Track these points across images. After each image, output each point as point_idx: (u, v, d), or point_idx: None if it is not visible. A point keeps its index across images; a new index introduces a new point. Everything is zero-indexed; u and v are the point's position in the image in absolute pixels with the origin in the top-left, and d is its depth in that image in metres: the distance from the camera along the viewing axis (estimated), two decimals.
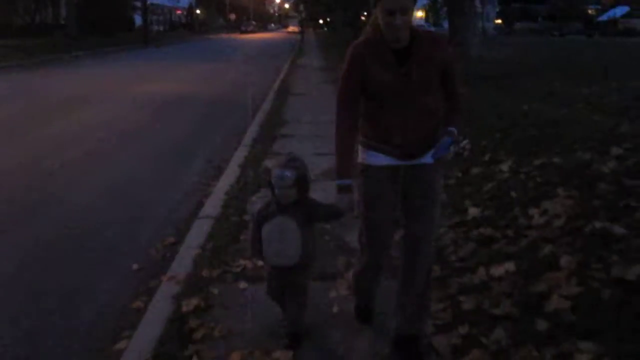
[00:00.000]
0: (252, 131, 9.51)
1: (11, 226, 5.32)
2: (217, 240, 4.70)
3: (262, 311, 3.51)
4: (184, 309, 3.59)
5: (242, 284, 3.94)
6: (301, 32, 58.79)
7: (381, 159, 2.84)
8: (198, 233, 4.95)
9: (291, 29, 79.94)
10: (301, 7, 71.30)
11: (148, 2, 48.61)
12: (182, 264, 4.30)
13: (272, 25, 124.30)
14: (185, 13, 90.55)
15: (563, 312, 3.10)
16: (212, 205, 5.67)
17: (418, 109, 2.74)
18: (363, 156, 2.91)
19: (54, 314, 3.79)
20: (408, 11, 2.57)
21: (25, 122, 10.51)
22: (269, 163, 7.05)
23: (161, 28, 72.63)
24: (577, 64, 15.29)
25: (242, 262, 4.24)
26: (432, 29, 50.19)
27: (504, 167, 5.41)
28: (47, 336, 3.54)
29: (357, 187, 2.90)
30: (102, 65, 24.44)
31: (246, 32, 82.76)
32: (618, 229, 3.62)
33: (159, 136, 9.51)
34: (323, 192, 4.26)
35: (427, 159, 2.84)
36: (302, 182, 2.87)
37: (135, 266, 4.50)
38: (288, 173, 2.82)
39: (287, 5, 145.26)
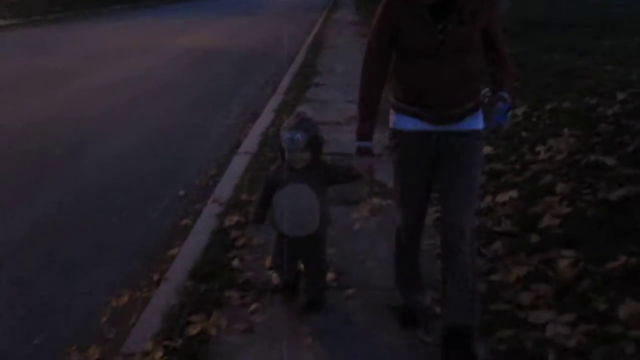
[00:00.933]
0: (286, 80, 9.99)
1: (72, 159, 5.95)
2: (254, 171, 5.26)
3: None
4: (226, 223, 4.17)
5: None
6: None
7: (413, 123, 2.59)
8: (237, 166, 5.51)
9: None
10: None
11: None
12: (223, 190, 4.89)
13: None
14: None
15: (552, 227, 3.60)
16: (250, 144, 6.23)
17: (455, 69, 2.45)
18: (394, 120, 2.67)
19: (115, 229, 4.41)
20: None
21: (75, 71, 11.15)
22: (303, 109, 7.53)
23: None
24: (607, 18, 15.26)
25: None
26: None
27: (519, 112, 5.84)
28: (110, 248, 4.16)
29: (391, 149, 2.72)
30: (141, 18, 24.98)
31: None
32: (610, 161, 4.08)
33: (198, 85, 10.06)
34: (351, 134, 4.77)
35: (465, 125, 2.55)
36: (314, 143, 2.68)
37: (182, 192, 5.09)
38: (299, 135, 2.63)
39: None
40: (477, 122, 2.57)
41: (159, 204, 4.85)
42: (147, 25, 21.44)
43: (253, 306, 3.13)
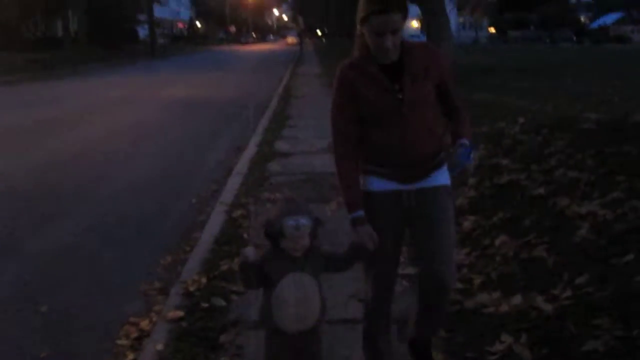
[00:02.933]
0: (263, 124, 11.68)
1: (101, 180, 7.48)
2: (248, 185, 6.85)
3: None
4: (233, 215, 5.74)
5: (267, 195, 6.16)
6: (300, 43, 60.99)
7: (382, 184, 2.61)
8: (233, 182, 7.10)
9: (290, 40, 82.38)
10: (299, 19, 73.79)
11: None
12: (226, 196, 6.46)
13: (271, 36, 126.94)
14: (186, 26, 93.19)
15: (464, 205, 5.27)
16: (240, 167, 7.84)
17: (415, 127, 2.51)
18: (363, 183, 2.66)
19: (145, 225, 5.93)
20: (398, 31, 2.42)
21: (71, 122, 12.68)
22: (279, 145, 9.24)
23: (163, 40, 75.05)
24: (535, 65, 17.64)
25: (265, 194, 6.40)
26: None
27: None
28: (152, 234, 5.68)
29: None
30: (117, 74, 26.65)
31: (246, 43, 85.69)
32: (504, 161, 5.81)
33: (187, 128, 11.70)
34: (319, 159, 6.45)
35: (433, 181, 2.59)
36: (317, 227, 2.42)
37: (194, 200, 6.65)
38: (304, 220, 2.36)
39: (285, 17, 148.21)
40: (444, 177, 2.60)
41: (178, 209, 6.38)
42: (127, 81, 23.05)
43: None
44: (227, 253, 4.73)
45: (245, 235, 5.17)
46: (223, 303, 3.88)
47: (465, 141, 2.51)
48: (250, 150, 9.03)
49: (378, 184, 2.62)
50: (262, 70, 28.93)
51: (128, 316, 3.95)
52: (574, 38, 62.40)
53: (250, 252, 2.42)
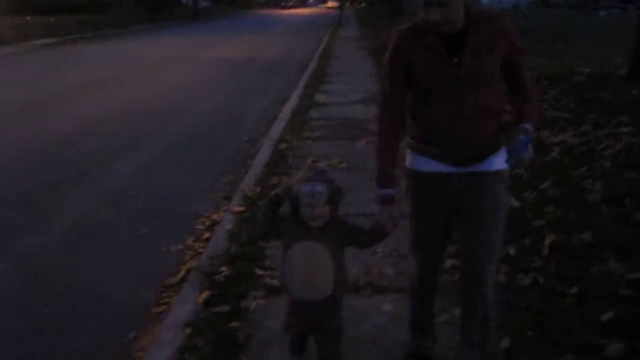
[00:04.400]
0: (304, 79, 12.85)
1: (165, 122, 8.79)
2: (291, 127, 8.07)
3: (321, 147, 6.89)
4: (279, 147, 6.97)
5: (308, 134, 7.35)
6: (340, 7, 61.40)
7: (431, 165, 2.43)
8: (278, 125, 8.33)
9: (330, 4, 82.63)
10: None
11: None
12: (273, 135, 7.69)
13: (312, 0, 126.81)
14: None
15: None
16: (284, 115, 9.06)
17: (474, 105, 2.29)
18: (410, 160, 2.52)
19: (207, 156, 7.20)
20: (448, 3, 2.18)
21: (134, 76, 14.05)
22: (318, 97, 10.42)
23: (206, 3, 76.12)
24: (565, 30, 18.40)
25: (307, 133, 7.61)
26: None
27: None
28: (207, 171, 6.95)
29: (406, 190, 2.59)
30: (164, 36, 27.93)
31: (287, 7, 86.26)
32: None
33: (237, 83, 12.96)
34: (352, 110, 7.62)
35: (487, 166, 2.39)
36: (335, 196, 2.35)
37: (245, 138, 7.91)
38: (320, 187, 2.29)
39: None
40: (500, 162, 2.37)
41: (233, 144, 7.64)
42: (175, 43, 24.32)
43: None
44: (275, 172, 5.99)
45: (290, 161, 6.40)
46: None
47: (528, 126, 2.24)
48: (293, 101, 10.24)
49: (426, 164, 2.44)
50: (302, 33, 29.91)
51: (203, 211, 5.24)
52: (620, 4, 61.32)
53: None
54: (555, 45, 13.49)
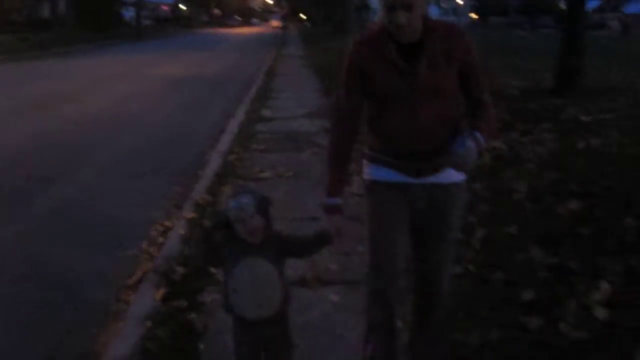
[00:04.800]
0: (249, 96, 13.12)
1: (116, 135, 8.93)
2: (238, 140, 8.33)
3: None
4: (228, 159, 7.23)
5: (255, 146, 7.63)
6: (284, 27, 62.08)
7: (389, 175, 2.42)
8: (226, 139, 8.58)
9: (275, 23, 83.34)
10: (283, 3, 74.88)
11: None
12: (221, 148, 7.94)
13: (255, 20, 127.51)
14: (170, 9, 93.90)
15: None
16: (231, 129, 9.32)
17: (430, 116, 2.28)
18: (368, 170, 2.50)
19: (158, 168, 7.38)
20: (412, 6, 2.16)
21: (81, 92, 14.05)
22: (264, 112, 10.72)
23: (148, 23, 75.77)
24: (502, 47, 19.27)
25: (254, 145, 7.89)
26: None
27: None
28: (170, 165, 7.15)
29: (366, 203, 2.53)
30: (107, 55, 27.80)
31: (231, 26, 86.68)
32: None
33: (183, 99, 13.13)
34: (299, 123, 7.96)
35: (446, 177, 2.38)
36: (263, 205, 2.33)
37: (195, 150, 8.13)
38: (245, 199, 2.30)
39: (270, 0, 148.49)
40: (457, 174, 2.37)
41: (182, 156, 7.85)
42: (118, 61, 24.24)
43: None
44: (225, 182, 6.23)
45: (238, 172, 6.66)
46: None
47: (475, 133, 2.22)
48: (239, 116, 10.49)
49: (385, 174, 2.42)
50: (247, 51, 30.20)
51: (156, 218, 5.44)
52: (554, 24, 63.67)
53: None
54: (495, 61, 14.19)
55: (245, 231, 2.30)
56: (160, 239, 4.95)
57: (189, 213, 5.33)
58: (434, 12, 31.76)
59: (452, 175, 2.38)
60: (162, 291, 3.83)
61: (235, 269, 2.37)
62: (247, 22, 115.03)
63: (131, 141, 8.77)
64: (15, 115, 10.85)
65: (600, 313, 3.06)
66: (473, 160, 2.17)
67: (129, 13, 57.30)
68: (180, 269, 4.12)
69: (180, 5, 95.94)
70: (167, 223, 5.32)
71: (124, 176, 6.89)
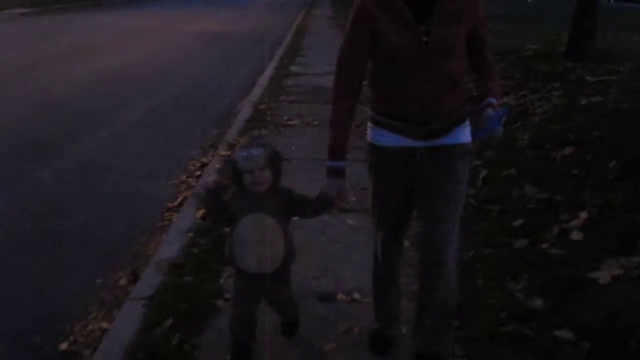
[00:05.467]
0: (279, 53, 13.59)
1: (153, 85, 9.52)
2: (268, 92, 8.87)
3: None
4: (259, 107, 7.77)
5: (284, 97, 8.16)
6: None
7: (394, 139, 2.34)
8: (257, 91, 9.12)
9: None
10: None
11: None
12: (252, 98, 8.49)
13: None
14: None
15: None
16: (262, 81, 9.85)
17: (438, 75, 2.20)
18: (372, 135, 2.43)
19: (194, 114, 7.97)
20: None
21: (113, 45, 14.65)
22: (292, 68, 11.22)
23: None
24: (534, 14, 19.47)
25: (283, 97, 8.42)
26: None
27: None
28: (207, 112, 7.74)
29: (368, 166, 2.49)
30: (137, 9, 28.12)
31: None
32: None
33: (216, 54, 13.66)
34: (325, 79, 8.45)
35: (453, 139, 2.32)
36: (274, 159, 2.36)
37: (226, 100, 8.69)
38: (256, 151, 2.31)
39: None
40: (465, 135, 2.35)
41: (216, 105, 8.42)
42: (154, 15, 24.69)
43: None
44: (256, 126, 6.80)
45: (268, 118, 7.22)
46: None
47: (494, 101, 2.25)
48: (269, 71, 11.01)
49: (389, 139, 2.35)
50: (277, 11, 30.40)
51: (194, 156, 6.04)
52: None
53: (205, 183, 2.49)
54: (514, 27, 14.50)
55: (251, 182, 2.34)
56: (198, 172, 5.55)
57: (223, 151, 5.91)
58: None
59: (459, 137, 2.34)
60: (201, 211, 4.42)
61: (240, 222, 2.42)
62: None
63: (168, 90, 9.37)
64: (54, 64, 11.48)
65: (577, 235, 3.59)
66: (501, 131, 2.20)
67: None
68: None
69: None
70: (204, 159, 5.92)
71: (164, 119, 7.52)
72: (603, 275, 3.08)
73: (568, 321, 2.83)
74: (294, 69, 11.25)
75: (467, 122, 2.36)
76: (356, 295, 3.30)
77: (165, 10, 28.03)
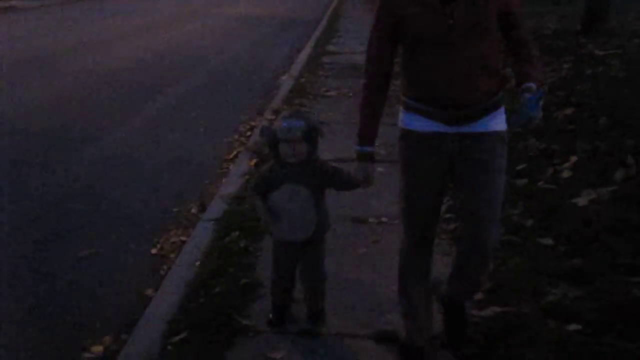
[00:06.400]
0: (315, 34, 14.39)
1: (200, 62, 10.41)
2: (308, 67, 9.68)
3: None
4: (299, 81, 8.60)
5: (321, 73, 8.97)
6: None
7: (425, 124, 2.29)
8: (297, 66, 9.95)
9: None
10: None
11: None
12: (293, 73, 9.31)
13: None
14: None
15: None
16: (301, 59, 10.67)
17: (469, 59, 2.15)
18: (403, 119, 2.37)
19: (241, 86, 8.83)
20: None
21: (164, 26, 15.61)
22: (329, 47, 12.01)
23: None
24: None
25: (321, 72, 9.24)
26: None
27: None
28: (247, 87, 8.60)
29: (398, 153, 2.43)
30: None
31: None
32: None
33: (255, 36, 14.50)
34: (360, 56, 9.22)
35: (485, 126, 2.25)
36: (313, 134, 2.43)
37: (270, 75, 9.53)
38: (297, 123, 2.39)
39: None
40: (499, 122, 2.29)
41: (260, 78, 9.28)
42: (189, 1, 25.66)
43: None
44: (298, 96, 7.63)
45: (307, 90, 8.05)
46: None
47: (532, 85, 2.15)
48: (307, 50, 11.83)
49: (419, 123, 2.31)
50: None
51: (244, 120, 6.91)
52: None
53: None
54: (537, 8, 15.08)
55: (288, 152, 2.43)
56: (248, 133, 6.40)
57: (269, 115, 6.76)
58: None
59: (493, 124, 2.27)
60: (254, 160, 5.27)
61: (275, 193, 2.52)
62: None
63: (216, 66, 10.29)
64: (108, 45, 12.50)
65: (567, 174, 4.34)
66: (540, 116, 2.15)
67: None
68: (266, 149, 5.55)
69: None
70: (252, 123, 6.77)
71: (213, 91, 8.43)
72: (582, 200, 3.84)
73: (550, 232, 3.61)
74: (330, 48, 12.06)
75: (502, 109, 2.31)
76: (384, 219, 4.10)
77: None
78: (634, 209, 3.72)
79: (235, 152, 5.76)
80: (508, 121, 2.32)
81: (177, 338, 2.81)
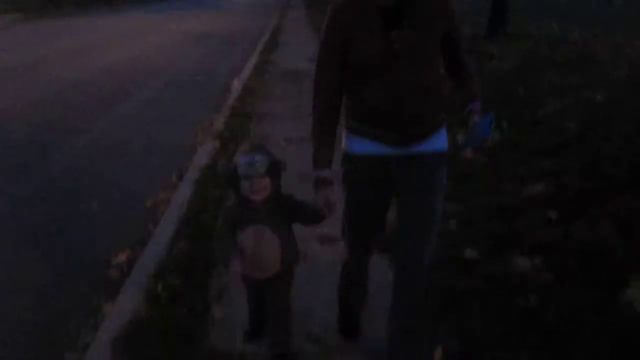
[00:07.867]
0: (259, 47, 15.69)
1: (157, 72, 11.56)
2: (254, 75, 10.97)
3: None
4: (246, 85, 9.87)
5: (267, 77, 10.29)
6: None
7: (370, 147, 2.33)
8: (245, 73, 11.22)
9: None
10: None
11: None
12: (242, 78, 10.58)
13: None
14: None
15: None
16: (248, 70, 11.95)
17: (412, 83, 2.20)
18: (346, 142, 2.40)
19: (195, 92, 10.04)
20: None
21: (109, 45, 16.64)
22: (272, 58, 13.33)
23: None
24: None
25: (266, 77, 10.54)
26: None
27: None
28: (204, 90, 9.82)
29: (342, 176, 2.46)
30: (120, 14, 29.98)
31: None
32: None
33: (203, 50, 15.70)
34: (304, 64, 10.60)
35: (428, 146, 2.32)
36: (275, 168, 2.34)
37: (222, 80, 10.77)
38: (258, 157, 2.29)
39: None
40: (441, 142, 2.36)
41: (211, 86, 10.50)
42: (136, 19, 26.55)
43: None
44: (249, 95, 8.92)
45: (256, 91, 9.33)
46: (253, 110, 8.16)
47: (478, 106, 2.31)
48: (253, 60, 13.13)
49: (363, 146, 2.34)
50: (254, 12, 32.45)
51: (204, 114, 8.15)
52: None
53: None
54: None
55: (250, 189, 2.33)
56: (210, 124, 7.64)
57: (225, 112, 8.02)
58: None
59: (436, 144, 2.34)
60: (217, 142, 6.51)
61: (241, 234, 2.45)
62: None
63: (172, 76, 11.49)
64: (59, 61, 13.50)
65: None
66: (491, 136, 2.27)
67: None
68: (227, 134, 6.82)
69: None
70: (213, 116, 8.02)
71: (176, 93, 9.69)
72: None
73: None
74: (273, 58, 13.37)
75: (444, 129, 2.37)
76: None
77: (147, 14, 29.92)
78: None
79: (200, 137, 6.99)
80: (460, 142, 2.43)
81: (179, 244, 4.08)
